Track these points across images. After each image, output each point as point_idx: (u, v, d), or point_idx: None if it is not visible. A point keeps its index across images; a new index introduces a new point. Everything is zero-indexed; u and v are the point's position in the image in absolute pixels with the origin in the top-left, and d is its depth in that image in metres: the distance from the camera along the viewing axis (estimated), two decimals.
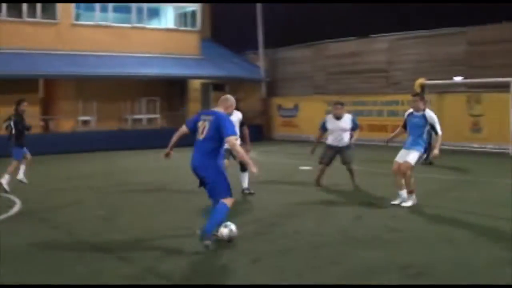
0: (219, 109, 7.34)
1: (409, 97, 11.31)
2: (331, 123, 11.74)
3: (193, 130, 7.31)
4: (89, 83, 24.25)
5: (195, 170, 7.16)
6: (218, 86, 28.32)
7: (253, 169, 6.80)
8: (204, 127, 7.15)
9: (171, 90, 27.52)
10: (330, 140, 11.81)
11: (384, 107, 22.67)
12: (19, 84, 22.38)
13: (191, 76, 26.65)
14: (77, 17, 24.96)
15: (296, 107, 26.83)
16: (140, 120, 26.13)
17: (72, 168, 15.00)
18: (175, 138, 7.56)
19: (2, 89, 22.42)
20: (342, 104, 11.94)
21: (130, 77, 24.57)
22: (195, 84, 27.76)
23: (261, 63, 27.86)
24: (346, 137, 11.59)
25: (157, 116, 26.39)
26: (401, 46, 23.62)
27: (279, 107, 27.71)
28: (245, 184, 10.90)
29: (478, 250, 6.76)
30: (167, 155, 7.66)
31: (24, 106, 12.23)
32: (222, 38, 31.30)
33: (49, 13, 24.28)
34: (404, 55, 23.48)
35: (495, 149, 18.68)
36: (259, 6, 27.40)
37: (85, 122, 24.48)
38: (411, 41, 23.36)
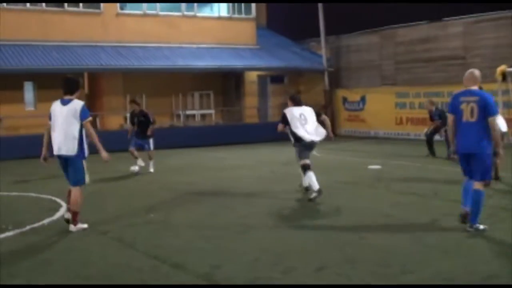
0: (473, 87, 7.77)
1: (491, 86, 10.98)
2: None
3: (457, 114, 7.79)
4: (136, 77, 24.61)
5: (467, 153, 7.67)
6: (276, 78, 28.31)
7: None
8: (471, 108, 7.60)
9: (225, 83, 27.65)
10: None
11: None
12: (62, 79, 22.90)
13: (247, 68, 26.66)
14: (122, 6, 25.34)
15: (362, 100, 26.51)
16: (193, 116, 26.33)
17: (118, 168, 15.20)
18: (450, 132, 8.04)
19: (44, 83, 23.04)
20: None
21: (181, 69, 24.77)
22: (252, 76, 27.80)
23: (323, 51, 27.63)
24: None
25: (211, 111, 26.54)
26: (479, 29, 22.96)
27: (344, 100, 27.45)
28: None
29: None
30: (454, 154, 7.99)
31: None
32: (279, 25, 31.21)
33: (92, 3, 24.73)
34: (482, 40, 22.81)
35: None
36: None
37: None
38: (490, 23, 22.66)
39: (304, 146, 11.24)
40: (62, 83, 8.88)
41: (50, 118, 8.59)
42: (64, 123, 8.37)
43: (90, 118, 8.57)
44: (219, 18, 27.26)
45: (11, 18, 22.74)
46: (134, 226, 8.74)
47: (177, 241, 7.69)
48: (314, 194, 10.49)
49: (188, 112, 26.06)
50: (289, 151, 20.64)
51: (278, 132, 11.63)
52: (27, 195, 12.15)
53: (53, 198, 11.44)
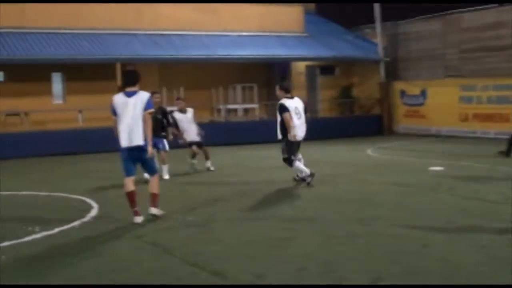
0: None
1: None
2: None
3: None
4: (173, 68, 24.85)
5: None
6: (326, 68, 28.24)
7: None
8: None
9: (270, 75, 27.68)
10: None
11: None
12: (93, 70, 23.28)
13: (294, 58, 26.66)
14: None
15: (423, 93, 26.24)
16: (235, 110, 26.43)
17: None
18: None
19: (74, 75, 23.42)
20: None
21: (222, 60, 24.90)
22: (299, 67, 27.79)
23: (379, 39, 27.45)
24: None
25: (255, 105, 26.60)
26: None
27: (402, 94, 27.20)
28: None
29: None
30: None
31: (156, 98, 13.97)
32: (330, 10, 31.12)
33: None
34: None
35: None
36: None
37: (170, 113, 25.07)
38: None
39: (295, 143, 12.48)
40: (123, 76, 10.02)
41: (115, 113, 9.37)
42: (134, 114, 9.24)
43: (152, 110, 9.48)
44: (264, 3, 27.29)
45: (37, 5, 23.16)
46: (170, 230, 8.82)
47: (217, 247, 7.73)
48: (309, 179, 12.26)
49: (230, 106, 26.17)
50: (340, 151, 20.69)
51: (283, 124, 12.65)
52: (56, 195, 12.40)
53: (84, 198, 11.66)
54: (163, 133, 14.60)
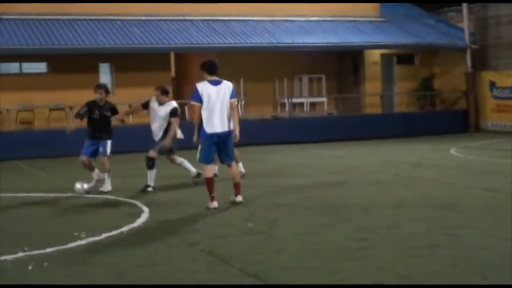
0: None
1: None
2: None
3: None
4: (233, 57, 24.92)
5: None
6: (404, 57, 27.95)
7: None
8: None
9: (341, 65, 27.61)
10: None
11: None
12: (145, 60, 23.55)
13: (367, 45, 26.50)
14: None
15: None
16: (301, 104, 26.38)
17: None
18: None
19: (122, 65, 23.72)
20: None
21: (287, 48, 24.91)
22: (373, 55, 27.59)
23: (465, 24, 27.05)
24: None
25: (323, 99, 26.53)
26: None
27: (492, 86, 26.75)
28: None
29: None
30: None
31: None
32: None
33: None
34: None
35: None
36: None
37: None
38: None
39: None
40: (207, 65, 10.95)
41: (201, 100, 10.76)
42: (225, 102, 10.80)
43: (236, 99, 11.17)
44: None
45: None
46: (228, 237, 8.84)
47: (281, 257, 7.71)
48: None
49: (295, 100, 26.16)
50: (420, 150, 20.44)
51: None
52: (104, 197, 12.60)
53: (134, 201, 11.80)
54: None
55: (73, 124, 14.07)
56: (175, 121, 13.05)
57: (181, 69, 26.03)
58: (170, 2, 24.35)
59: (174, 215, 10.52)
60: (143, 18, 24.32)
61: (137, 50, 23.21)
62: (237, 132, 11.00)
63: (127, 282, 6.87)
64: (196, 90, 10.81)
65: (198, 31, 24.38)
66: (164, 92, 13.25)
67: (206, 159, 10.97)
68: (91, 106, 13.49)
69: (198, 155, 11.09)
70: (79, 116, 13.63)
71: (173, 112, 13.09)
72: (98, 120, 13.30)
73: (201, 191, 13.05)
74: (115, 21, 23.98)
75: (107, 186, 13.18)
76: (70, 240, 8.73)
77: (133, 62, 23.77)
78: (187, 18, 24.90)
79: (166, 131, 13.06)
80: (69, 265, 7.53)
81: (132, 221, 9.95)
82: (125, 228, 9.48)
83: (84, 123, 13.60)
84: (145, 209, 10.94)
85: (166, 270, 7.30)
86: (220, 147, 10.97)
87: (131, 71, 23.89)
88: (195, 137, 11.08)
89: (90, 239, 8.79)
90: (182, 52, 25.00)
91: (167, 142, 12.96)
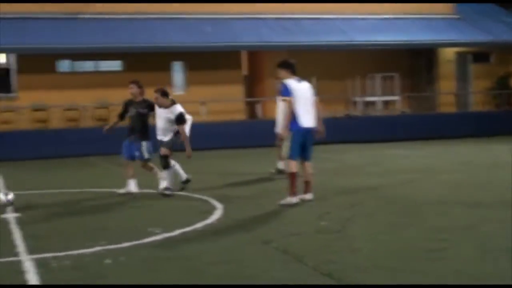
0: None
1: None
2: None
3: None
4: (304, 56, 24.84)
5: None
6: (480, 55, 27.48)
7: None
8: None
9: (414, 63, 27.33)
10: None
11: None
12: (216, 58, 23.70)
13: (442, 43, 26.17)
14: None
15: None
16: (373, 103, 26.21)
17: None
18: None
19: (195, 64, 23.91)
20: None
21: (359, 46, 24.80)
22: (448, 54, 27.23)
23: None
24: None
25: (396, 98, 26.29)
26: None
27: None
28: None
29: None
30: None
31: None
32: None
33: None
34: None
35: None
36: None
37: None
38: None
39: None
40: (290, 64, 11.45)
41: (292, 94, 11.01)
42: (310, 99, 11.30)
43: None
44: None
45: None
46: (301, 236, 8.82)
47: (355, 257, 7.64)
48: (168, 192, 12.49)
49: (368, 98, 26.01)
50: (496, 150, 20.03)
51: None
52: (178, 194, 12.71)
53: (206, 198, 11.89)
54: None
55: (111, 123, 13.89)
56: (183, 129, 12.51)
57: (253, 68, 26.09)
58: (242, 2, 24.47)
59: (247, 212, 10.55)
60: (215, 16, 24.47)
61: (209, 49, 23.36)
62: (321, 128, 11.42)
63: (200, 278, 6.89)
64: (287, 86, 11.09)
65: (269, 29, 24.40)
66: (164, 94, 12.64)
67: (296, 154, 11.14)
68: (127, 103, 13.17)
69: (285, 150, 11.26)
70: (119, 116, 13.33)
71: (179, 119, 12.50)
72: (133, 117, 12.99)
73: (272, 188, 13.12)
74: (188, 20, 24.17)
75: (163, 184, 12.73)
76: (145, 235, 8.83)
77: (205, 61, 23.94)
78: (259, 16, 24.94)
79: (174, 133, 12.69)
80: (145, 260, 7.61)
81: (206, 218, 10.03)
82: (199, 225, 9.54)
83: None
84: (218, 206, 11.02)
85: (240, 267, 7.31)
86: (305, 143, 11.19)
87: (203, 69, 24.08)
88: (283, 132, 11.25)
89: (165, 235, 8.87)
90: (253, 50, 25.07)
91: (183, 137, 12.54)
